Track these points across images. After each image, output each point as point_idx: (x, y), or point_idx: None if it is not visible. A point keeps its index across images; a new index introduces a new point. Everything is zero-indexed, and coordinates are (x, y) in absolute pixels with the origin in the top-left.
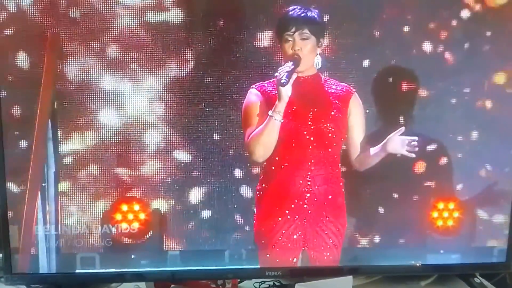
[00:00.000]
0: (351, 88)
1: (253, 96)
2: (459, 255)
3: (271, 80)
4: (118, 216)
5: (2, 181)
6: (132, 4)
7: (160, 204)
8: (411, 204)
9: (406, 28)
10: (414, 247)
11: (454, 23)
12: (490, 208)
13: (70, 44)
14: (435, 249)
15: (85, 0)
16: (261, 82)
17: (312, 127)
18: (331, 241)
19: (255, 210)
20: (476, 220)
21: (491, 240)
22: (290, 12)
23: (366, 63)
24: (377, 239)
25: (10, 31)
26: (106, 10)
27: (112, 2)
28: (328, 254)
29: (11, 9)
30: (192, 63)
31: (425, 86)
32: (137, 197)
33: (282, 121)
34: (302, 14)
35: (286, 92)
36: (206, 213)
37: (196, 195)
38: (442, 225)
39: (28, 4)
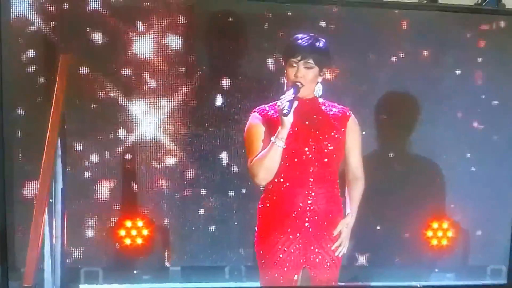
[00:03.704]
0: (348, 110)
1: (255, 120)
2: (453, 274)
3: (272, 103)
4: (122, 232)
5: (2, 196)
6: (139, 28)
7: (163, 221)
8: (407, 223)
9: (401, 54)
10: (410, 266)
11: (446, 49)
12: (487, 228)
13: (80, 66)
14: (430, 268)
15: (95, 25)
16: (263, 106)
17: (313, 147)
18: (331, 258)
19: (256, 228)
20: (472, 239)
21: (487, 260)
22: (299, 41)
23: (363, 87)
24: (374, 257)
25: (25, 54)
26: (114, 35)
27: (120, 28)
28: (328, 272)
29: (26, 34)
30: (196, 84)
31: (420, 109)
32: (141, 213)
33: (285, 147)
34: (310, 44)
35: (289, 120)
36: (207, 230)
37: (198, 212)
38: (437, 244)
39: (41, 29)
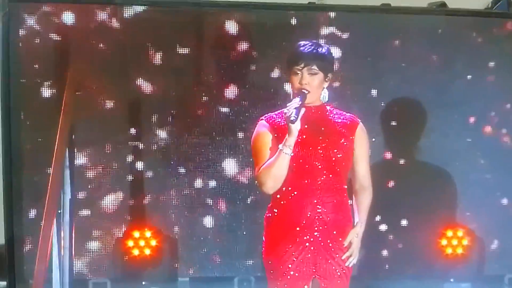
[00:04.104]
0: (357, 118)
1: (262, 128)
2: (469, 284)
3: (279, 111)
4: (130, 243)
5: (11, 208)
6: (147, 39)
7: (171, 231)
8: (420, 232)
9: (410, 60)
10: (424, 276)
11: (457, 54)
12: (503, 236)
13: (89, 78)
14: (444, 278)
15: (104, 37)
16: (270, 114)
17: (321, 155)
18: (341, 268)
19: (263, 237)
20: (488, 248)
21: (504, 269)
22: (301, 48)
23: (371, 93)
24: (386, 267)
25: (35, 65)
26: (125, 47)
27: (129, 39)
28: (339, 282)
29: (35, 45)
30: (203, 93)
31: (431, 115)
32: (149, 224)
33: (292, 154)
34: (312, 51)
35: (296, 127)
36: (215, 240)
37: (206, 222)
38: (452, 253)
39: (51, 40)
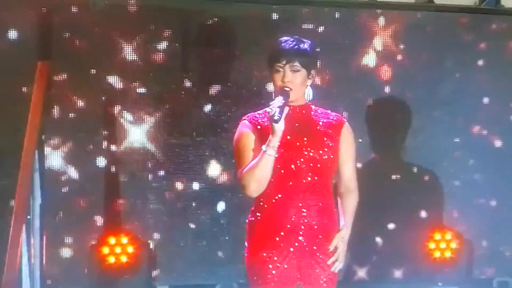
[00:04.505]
0: (343, 117)
1: (244, 128)
2: (457, 287)
3: (262, 111)
4: (105, 250)
5: None
6: (125, 35)
7: (149, 237)
8: (408, 235)
9: (399, 58)
10: (412, 280)
11: (446, 53)
12: (492, 238)
13: (60, 75)
14: (432, 281)
15: (78, 32)
16: (252, 113)
17: (306, 156)
18: (326, 273)
19: (246, 243)
20: (476, 250)
21: (493, 272)
22: (282, 44)
23: (358, 93)
24: (373, 271)
25: (1, 61)
26: (99, 42)
27: (104, 34)
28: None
29: (2, 40)
30: (183, 92)
31: (418, 115)
32: (125, 229)
33: (277, 155)
34: (294, 47)
35: (280, 127)
36: (196, 246)
37: (185, 227)
38: (440, 256)
39: (19, 34)
